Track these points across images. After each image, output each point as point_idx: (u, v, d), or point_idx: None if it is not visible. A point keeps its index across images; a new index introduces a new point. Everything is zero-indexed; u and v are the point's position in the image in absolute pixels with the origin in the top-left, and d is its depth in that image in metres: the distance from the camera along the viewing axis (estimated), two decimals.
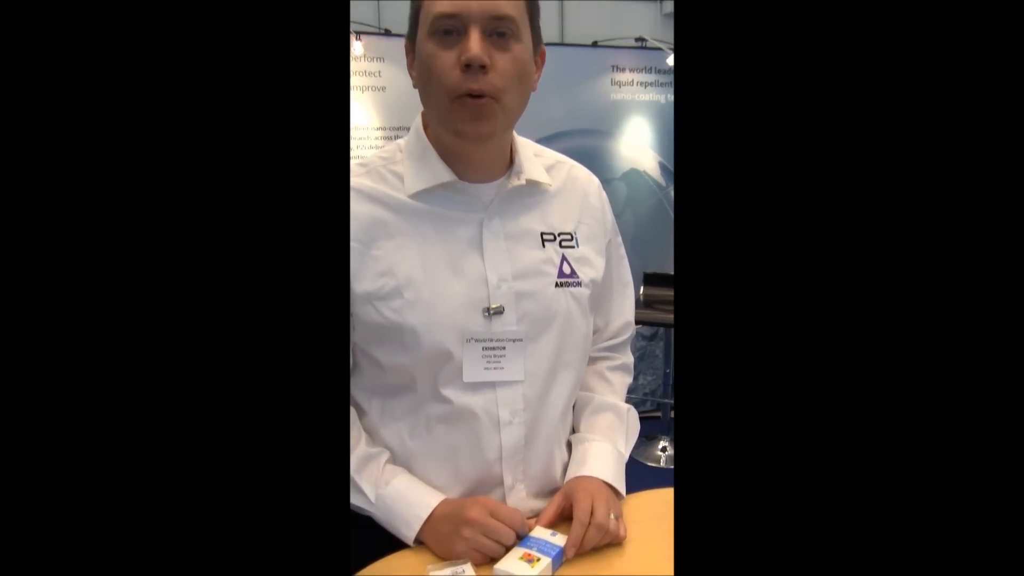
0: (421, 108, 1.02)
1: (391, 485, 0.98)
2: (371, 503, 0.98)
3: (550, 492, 1.06)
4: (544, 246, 1.03)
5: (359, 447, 1.01)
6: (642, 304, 3.23)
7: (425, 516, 0.96)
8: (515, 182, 1.02)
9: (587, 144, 3.62)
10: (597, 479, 1.02)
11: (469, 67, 0.90)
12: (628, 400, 1.20)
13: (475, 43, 0.89)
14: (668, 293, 3.21)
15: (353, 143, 3.21)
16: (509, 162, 1.04)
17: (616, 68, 3.66)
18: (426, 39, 0.93)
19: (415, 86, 0.99)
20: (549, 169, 1.08)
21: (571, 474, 1.05)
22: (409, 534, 0.96)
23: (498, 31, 0.91)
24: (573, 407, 1.13)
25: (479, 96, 0.91)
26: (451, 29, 0.91)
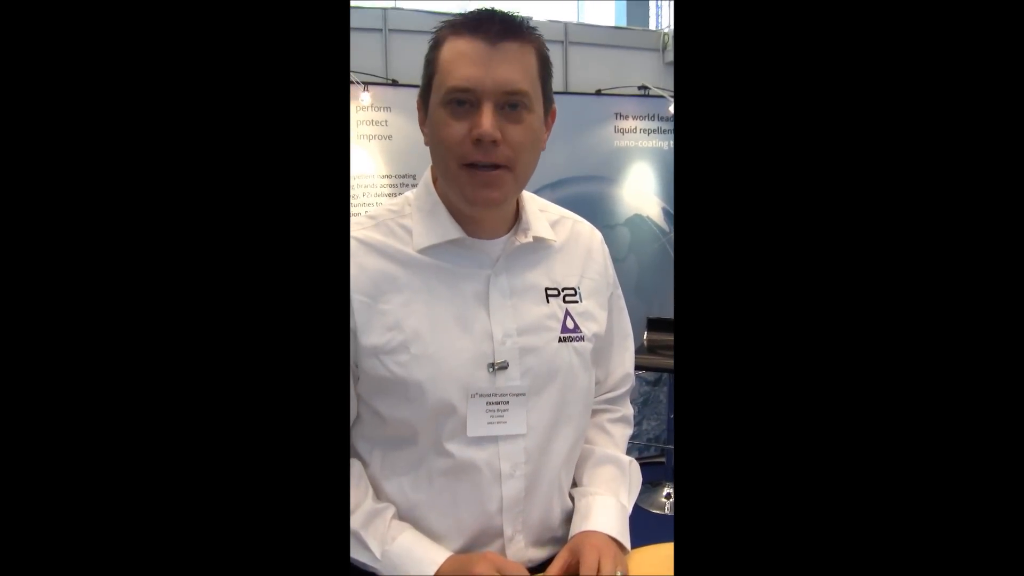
0: (428, 157, 1.03)
1: (397, 542, 0.98)
2: (376, 559, 0.98)
3: (548, 540, 1.06)
4: (548, 301, 1.04)
5: (365, 502, 1.01)
6: (645, 350, 3.23)
7: (432, 573, 0.96)
8: (522, 239, 1.03)
9: (591, 190, 3.66)
10: (603, 534, 1.02)
11: (480, 142, 0.91)
12: (632, 445, 1.20)
13: (487, 119, 0.90)
14: (671, 338, 3.22)
15: (360, 191, 3.24)
16: (515, 218, 1.06)
17: (619, 116, 3.71)
18: (439, 106, 0.94)
19: (427, 143, 1.00)
20: (553, 224, 1.09)
21: (575, 529, 1.05)
22: None
23: (510, 103, 0.92)
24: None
25: (490, 167, 0.93)
26: (464, 101, 0.92)
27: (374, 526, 0.99)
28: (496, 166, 0.93)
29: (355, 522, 0.99)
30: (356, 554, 0.99)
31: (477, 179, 0.94)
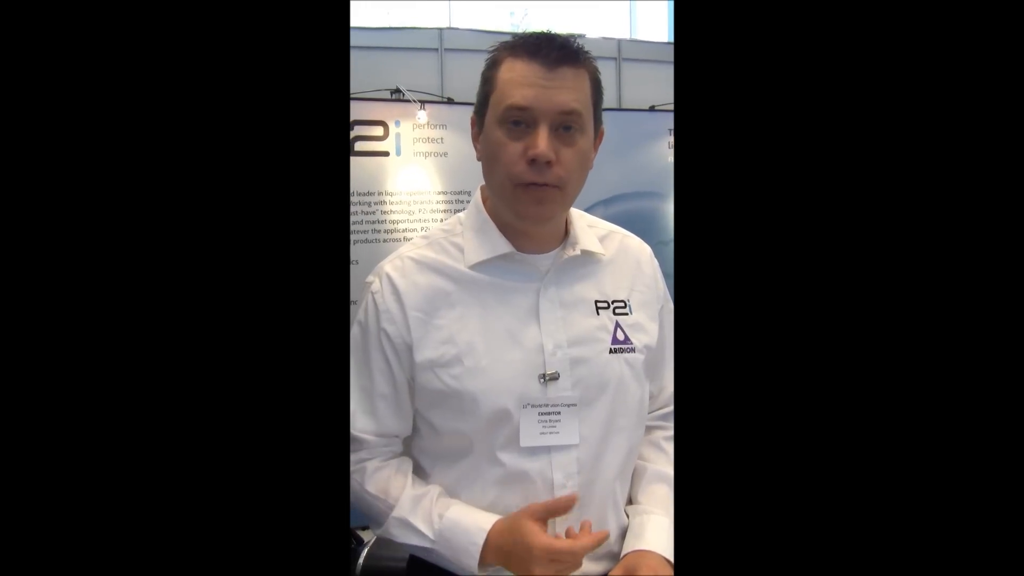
0: (481, 173, 1.06)
1: (445, 517, 1.00)
2: (430, 540, 1.00)
3: (604, 555, 1.06)
4: (598, 313, 1.06)
5: (406, 490, 1.03)
6: None
7: (481, 541, 0.97)
8: (570, 252, 1.05)
9: (644, 206, 3.65)
10: (657, 554, 1.02)
11: (535, 162, 0.94)
12: None
13: (543, 140, 0.94)
14: None
15: (416, 207, 3.30)
16: (564, 233, 1.08)
17: (673, 131, 3.71)
18: (495, 125, 0.98)
19: (479, 158, 1.04)
20: (602, 239, 1.11)
21: (629, 547, 1.05)
22: (472, 563, 0.97)
23: (565, 125, 0.96)
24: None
25: (542, 185, 0.96)
26: (520, 120, 0.96)
27: (421, 508, 1.02)
28: (548, 185, 0.96)
29: (401, 510, 1.02)
30: (408, 539, 1.02)
31: (530, 196, 0.97)
